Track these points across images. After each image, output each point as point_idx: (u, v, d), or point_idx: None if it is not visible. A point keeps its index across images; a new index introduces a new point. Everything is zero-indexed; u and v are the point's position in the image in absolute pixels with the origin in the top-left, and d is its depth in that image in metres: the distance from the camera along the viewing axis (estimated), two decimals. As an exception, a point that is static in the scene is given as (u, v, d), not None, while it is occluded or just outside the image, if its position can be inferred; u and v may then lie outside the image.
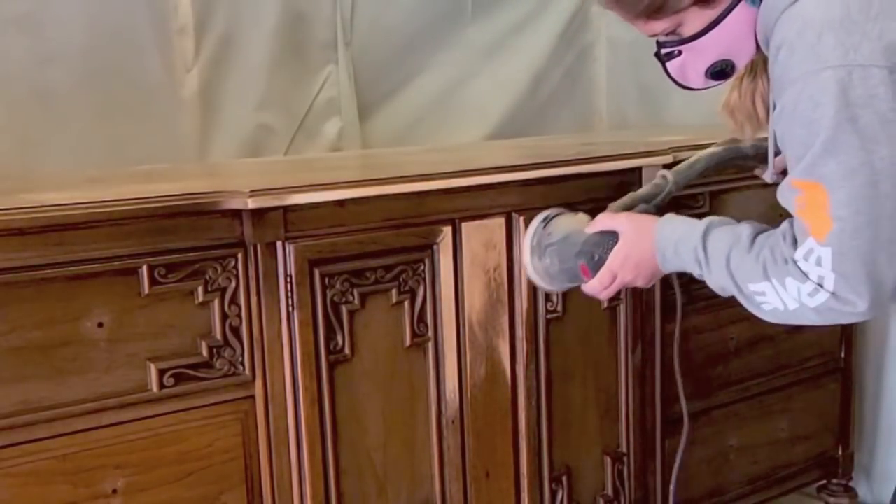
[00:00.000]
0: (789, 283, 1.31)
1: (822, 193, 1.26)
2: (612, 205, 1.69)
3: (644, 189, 1.72)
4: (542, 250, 1.67)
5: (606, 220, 1.59)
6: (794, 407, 2.29)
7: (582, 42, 2.90)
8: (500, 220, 1.73)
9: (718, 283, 1.41)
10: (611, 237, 1.57)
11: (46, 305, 1.36)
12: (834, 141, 1.24)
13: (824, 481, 2.47)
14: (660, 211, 1.66)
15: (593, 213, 1.67)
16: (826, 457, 2.41)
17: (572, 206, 1.79)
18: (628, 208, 1.66)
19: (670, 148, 1.92)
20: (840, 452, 2.43)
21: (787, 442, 2.29)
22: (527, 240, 1.70)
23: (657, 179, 1.72)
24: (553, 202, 1.77)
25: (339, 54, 2.44)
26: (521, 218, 1.74)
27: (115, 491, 1.43)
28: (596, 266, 1.58)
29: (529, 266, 1.70)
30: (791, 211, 1.32)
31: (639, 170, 1.88)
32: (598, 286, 1.59)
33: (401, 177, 1.64)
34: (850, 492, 2.49)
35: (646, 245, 1.52)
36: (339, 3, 2.42)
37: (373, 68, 2.50)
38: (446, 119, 2.65)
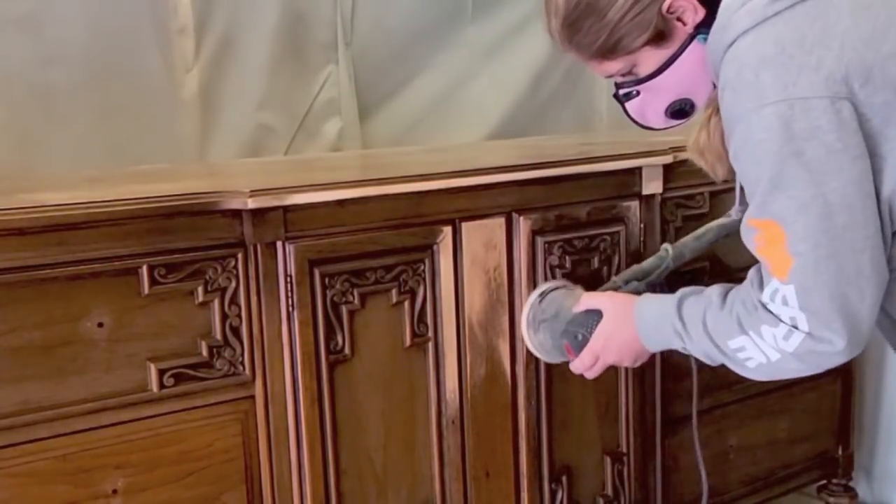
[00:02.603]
0: (765, 330, 1.30)
1: (777, 230, 1.25)
2: (614, 278, 1.72)
3: (647, 262, 1.73)
4: (537, 325, 1.69)
5: (590, 300, 1.61)
6: (794, 407, 2.29)
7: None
8: (500, 220, 1.73)
9: (702, 349, 1.40)
10: (595, 317, 1.58)
11: (46, 305, 1.36)
12: (781, 176, 1.23)
13: (824, 481, 2.47)
14: (653, 288, 1.67)
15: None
16: (826, 457, 2.40)
17: (573, 206, 1.80)
18: (627, 283, 1.67)
19: (670, 148, 1.92)
20: (840, 452, 2.42)
21: (787, 442, 2.29)
22: (524, 313, 1.73)
23: (661, 252, 1.73)
24: (553, 202, 1.78)
25: (339, 54, 2.44)
26: (521, 218, 1.74)
27: (115, 491, 1.43)
28: (580, 346, 1.60)
29: (527, 339, 1.73)
30: (752, 251, 1.31)
31: (639, 170, 1.88)
32: (580, 367, 1.61)
33: (401, 177, 1.64)
34: (850, 492, 2.49)
35: (628, 326, 1.52)
36: (339, 4, 2.42)
37: (373, 68, 2.50)
38: (446, 119, 2.65)
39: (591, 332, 1.58)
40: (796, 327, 1.27)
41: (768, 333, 1.30)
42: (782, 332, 1.28)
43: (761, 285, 1.30)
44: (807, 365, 1.30)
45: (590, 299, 1.61)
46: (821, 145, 1.21)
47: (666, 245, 1.75)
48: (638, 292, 1.64)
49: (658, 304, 1.48)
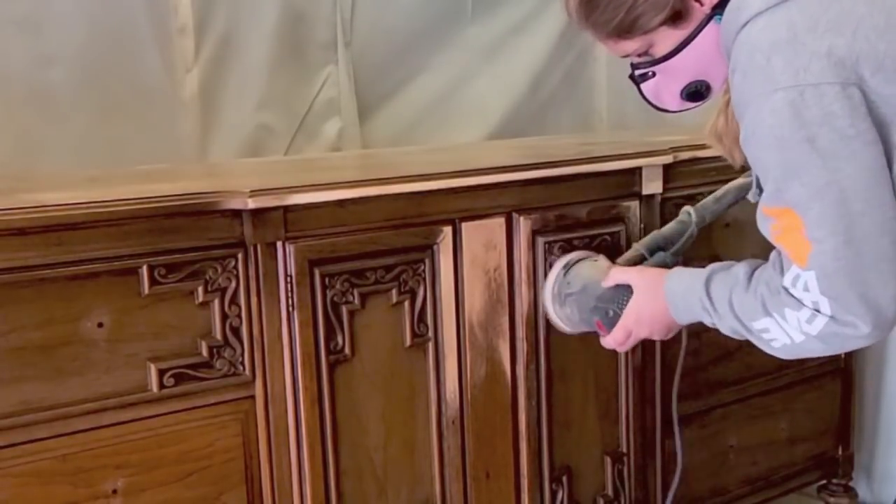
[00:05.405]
0: (788, 313, 1.30)
1: (794, 218, 1.25)
2: (635, 245, 1.71)
3: (668, 227, 1.72)
4: (563, 299, 1.70)
5: (620, 275, 1.61)
6: (794, 407, 2.29)
7: (582, 42, 2.90)
8: (500, 220, 1.73)
9: (729, 326, 1.41)
10: (625, 292, 1.59)
11: (46, 305, 1.36)
12: (794, 163, 1.23)
13: (824, 481, 2.46)
14: (679, 256, 1.66)
15: (609, 254, 1.71)
16: (826, 457, 2.40)
17: (573, 206, 1.80)
18: (651, 251, 1.67)
19: (670, 148, 1.92)
20: (840, 452, 2.42)
21: (787, 442, 2.29)
22: (547, 286, 1.73)
23: (682, 216, 1.72)
24: (553, 202, 1.78)
25: (339, 54, 2.44)
26: (521, 218, 1.74)
27: (115, 491, 1.43)
28: (611, 322, 1.60)
29: (551, 312, 1.73)
30: (769, 239, 1.31)
31: (639, 170, 1.88)
32: (612, 343, 1.62)
33: (401, 177, 1.64)
34: (850, 492, 2.49)
35: (658, 301, 1.52)
36: (339, 4, 2.42)
37: (373, 68, 2.50)
38: (446, 119, 2.65)
39: (621, 308, 1.58)
40: (819, 311, 1.26)
41: (792, 316, 1.29)
42: (806, 315, 1.28)
43: (783, 270, 1.30)
44: (830, 346, 1.30)
45: (619, 274, 1.61)
46: (833, 131, 1.20)
47: (688, 208, 1.73)
48: (666, 263, 1.64)
49: (688, 280, 1.47)
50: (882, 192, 1.22)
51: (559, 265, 1.72)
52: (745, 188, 1.70)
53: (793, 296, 1.28)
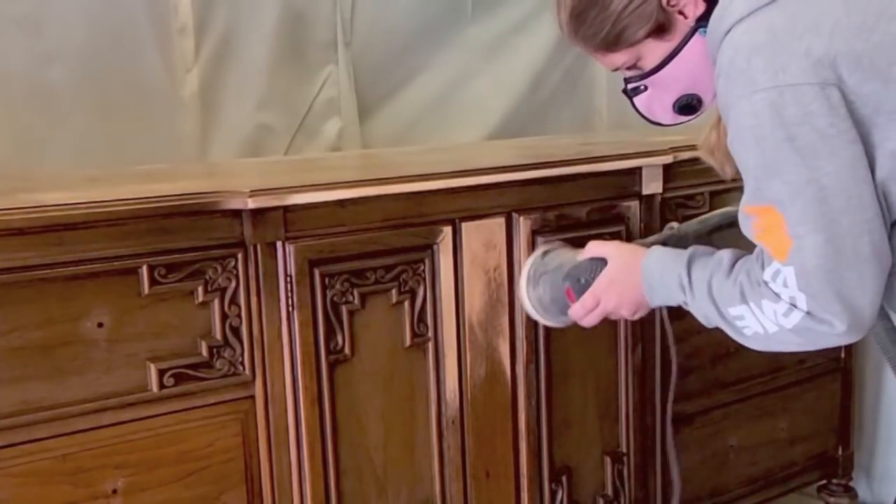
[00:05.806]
0: (765, 305, 1.30)
1: (775, 215, 1.26)
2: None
3: (651, 238, 1.72)
4: (537, 279, 1.67)
5: (597, 247, 1.59)
6: (794, 407, 2.29)
7: (582, 42, 2.90)
8: (500, 220, 1.73)
9: (702, 310, 1.40)
10: (600, 263, 1.56)
11: (46, 305, 1.36)
12: (775, 161, 1.24)
13: (824, 481, 2.47)
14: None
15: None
16: (826, 457, 2.40)
17: (573, 206, 1.80)
18: None
19: (670, 148, 1.92)
20: (840, 452, 2.42)
21: (787, 442, 2.29)
22: (524, 270, 1.69)
23: (666, 230, 1.72)
24: (553, 202, 1.78)
25: (339, 54, 2.44)
26: (521, 218, 1.74)
27: (115, 491, 1.43)
28: (581, 290, 1.57)
29: (524, 296, 1.69)
30: (751, 238, 1.32)
31: (639, 170, 1.88)
32: (580, 310, 1.58)
33: (401, 177, 1.64)
34: (850, 492, 2.49)
35: (633, 274, 1.51)
36: (339, 3, 2.42)
37: (373, 68, 2.50)
38: (446, 119, 2.65)
39: (594, 277, 1.55)
40: (795, 305, 1.27)
41: (769, 308, 1.30)
42: (783, 308, 1.28)
43: (764, 265, 1.30)
44: (803, 340, 1.30)
45: (597, 246, 1.59)
46: (813, 130, 1.21)
47: (672, 223, 1.73)
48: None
49: (667, 257, 1.47)
50: (862, 192, 1.23)
51: (539, 250, 1.70)
52: (729, 216, 1.70)
53: (772, 290, 1.29)
